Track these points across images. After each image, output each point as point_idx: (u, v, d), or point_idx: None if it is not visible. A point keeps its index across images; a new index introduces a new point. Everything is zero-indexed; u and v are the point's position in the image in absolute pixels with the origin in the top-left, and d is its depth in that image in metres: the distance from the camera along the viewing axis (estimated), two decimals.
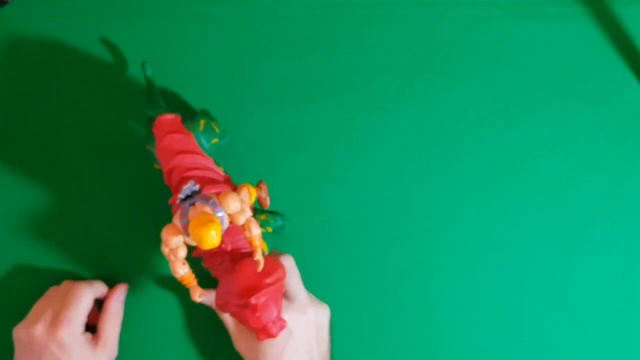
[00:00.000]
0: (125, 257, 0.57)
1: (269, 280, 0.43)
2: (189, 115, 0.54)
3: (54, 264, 0.57)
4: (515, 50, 0.63)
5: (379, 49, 0.62)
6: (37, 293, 0.54)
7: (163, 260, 0.56)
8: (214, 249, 0.44)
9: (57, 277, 0.56)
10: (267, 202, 0.51)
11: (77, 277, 0.56)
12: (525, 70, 0.62)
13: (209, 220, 0.40)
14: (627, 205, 0.59)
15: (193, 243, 0.43)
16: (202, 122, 0.52)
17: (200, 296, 0.43)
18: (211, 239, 0.40)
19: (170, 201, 0.45)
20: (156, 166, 0.52)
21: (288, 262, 0.52)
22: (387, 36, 0.62)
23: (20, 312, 0.52)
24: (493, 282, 0.57)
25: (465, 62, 0.62)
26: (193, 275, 0.44)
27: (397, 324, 0.56)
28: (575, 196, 0.59)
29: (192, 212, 0.42)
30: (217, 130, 0.53)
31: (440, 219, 0.58)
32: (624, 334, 0.57)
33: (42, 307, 0.51)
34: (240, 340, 0.52)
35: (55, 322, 0.49)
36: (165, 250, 0.43)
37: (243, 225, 0.43)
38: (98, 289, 0.53)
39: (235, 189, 0.46)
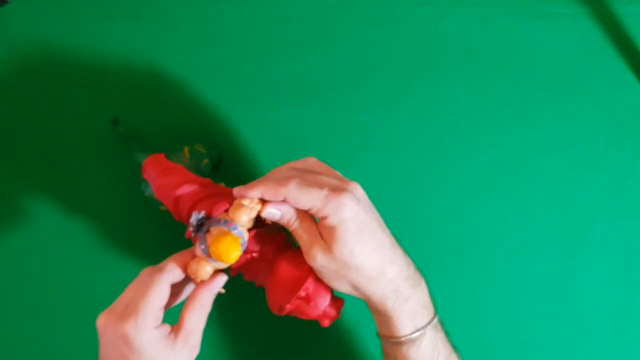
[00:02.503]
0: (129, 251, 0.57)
1: (309, 267, 0.43)
2: (176, 140, 0.54)
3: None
4: (515, 49, 0.63)
5: (379, 49, 0.62)
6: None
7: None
8: (246, 261, 0.45)
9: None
10: None
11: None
12: (525, 70, 0.62)
13: (223, 236, 0.41)
14: (627, 205, 0.59)
15: (223, 266, 0.43)
16: (185, 149, 0.52)
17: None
18: (231, 251, 0.41)
19: (186, 235, 0.45)
20: (162, 208, 0.52)
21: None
22: (387, 36, 0.62)
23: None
24: (493, 281, 0.57)
25: (465, 61, 0.62)
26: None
27: None
28: (575, 196, 0.59)
29: (210, 238, 0.42)
30: (203, 151, 0.53)
31: (441, 218, 0.58)
32: (623, 334, 0.57)
33: (121, 296, 0.43)
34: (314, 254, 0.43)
35: (122, 315, 0.40)
36: (197, 281, 0.43)
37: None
38: (175, 274, 0.43)
39: None
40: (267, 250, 0.45)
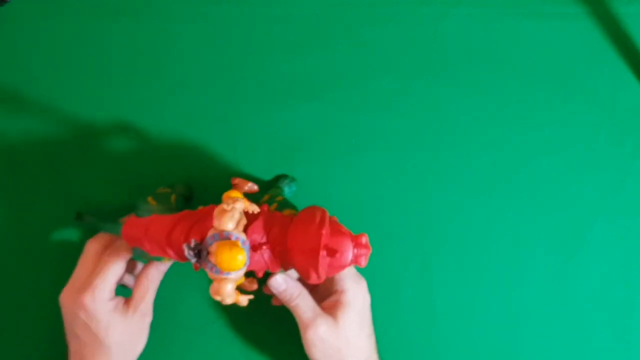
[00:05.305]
0: None
1: (317, 222, 0.42)
2: (137, 195, 0.53)
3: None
4: (515, 50, 0.63)
5: (379, 49, 0.62)
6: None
7: None
8: (262, 255, 0.44)
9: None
10: (254, 187, 0.53)
11: None
12: (525, 70, 0.62)
13: (221, 247, 0.41)
14: (627, 205, 0.59)
15: (240, 274, 0.43)
16: (149, 199, 0.51)
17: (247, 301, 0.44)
18: (235, 255, 0.41)
19: (195, 269, 0.45)
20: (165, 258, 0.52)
21: None
22: (387, 36, 0.62)
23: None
24: (493, 281, 0.57)
25: (465, 61, 0.62)
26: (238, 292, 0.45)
27: (397, 322, 0.56)
28: (575, 196, 0.59)
29: (212, 257, 0.42)
30: (167, 190, 0.53)
31: (441, 218, 0.58)
32: (624, 334, 0.57)
33: (76, 272, 0.50)
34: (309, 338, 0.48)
35: (80, 289, 0.48)
36: (228, 301, 0.43)
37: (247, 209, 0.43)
38: (127, 256, 0.50)
39: None
40: (274, 233, 0.45)
